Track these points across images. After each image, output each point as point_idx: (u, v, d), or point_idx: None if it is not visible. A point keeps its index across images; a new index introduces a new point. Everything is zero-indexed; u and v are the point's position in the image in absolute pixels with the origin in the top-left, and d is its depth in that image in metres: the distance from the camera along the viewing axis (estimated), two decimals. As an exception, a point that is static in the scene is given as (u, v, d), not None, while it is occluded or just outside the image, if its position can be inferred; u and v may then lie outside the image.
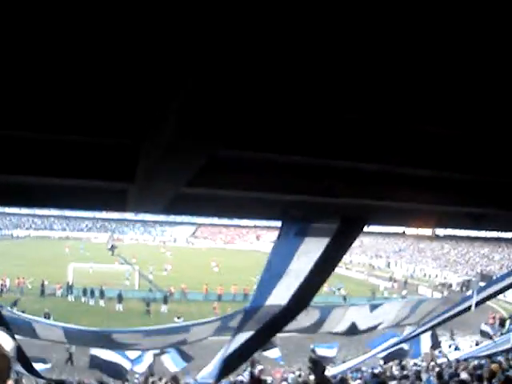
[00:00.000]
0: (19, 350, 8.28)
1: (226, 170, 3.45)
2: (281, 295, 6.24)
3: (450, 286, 50.65)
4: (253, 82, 1.67)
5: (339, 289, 42.42)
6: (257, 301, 6.58)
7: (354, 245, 5.41)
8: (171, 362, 13.23)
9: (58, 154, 3.32)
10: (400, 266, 64.91)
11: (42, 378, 11.34)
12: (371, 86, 2.48)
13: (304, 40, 1.50)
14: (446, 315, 10.67)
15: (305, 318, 7.78)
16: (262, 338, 8.27)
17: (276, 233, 5.38)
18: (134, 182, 3.33)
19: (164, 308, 33.46)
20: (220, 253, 71.71)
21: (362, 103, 2.65)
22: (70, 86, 2.52)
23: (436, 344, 15.72)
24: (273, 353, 16.75)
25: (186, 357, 13.33)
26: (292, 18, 1.31)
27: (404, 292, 44.36)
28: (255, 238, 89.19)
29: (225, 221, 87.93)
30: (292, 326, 7.74)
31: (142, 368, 12.93)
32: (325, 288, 39.76)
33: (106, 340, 8.70)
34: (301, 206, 4.54)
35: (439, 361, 16.20)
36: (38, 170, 3.40)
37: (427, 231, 64.96)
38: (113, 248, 61.61)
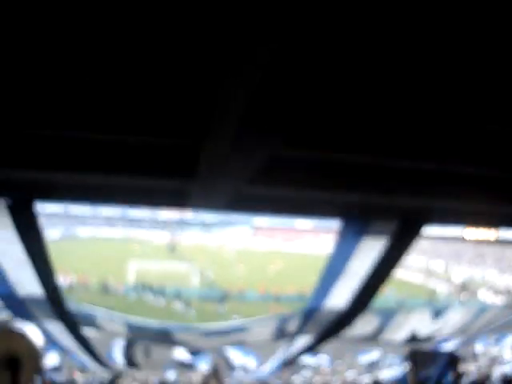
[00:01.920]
0: (84, 341, 8.54)
1: (288, 168, 3.46)
2: (340, 297, 6.19)
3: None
4: (317, 82, 1.67)
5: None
6: (315, 302, 6.55)
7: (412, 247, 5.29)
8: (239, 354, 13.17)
9: (122, 154, 3.42)
10: (459, 270, 63.04)
11: (109, 367, 11.60)
12: (432, 85, 2.45)
13: (367, 39, 1.50)
14: (508, 322, 10.30)
15: (364, 325, 7.66)
16: (319, 341, 8.23)
17: (336, 235, 5.34)
18: (196, 180, 3.38)
19: (221, 307, 33.77)
20: (279, 254, 71.57)
21: (422, 101, 2.61)
22: (134, 89, 2.59)
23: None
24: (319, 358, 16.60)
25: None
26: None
27: (463, 296, 43.06)
28: (314, 239, 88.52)
29: (284, 222, 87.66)
30: (351, 332, 7.66)
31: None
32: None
33: (166, 336, 8.86)
34: (360, 205, 4.50)
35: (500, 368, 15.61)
36: (103, 169, 3.50)
37: (487, 235, 62.75)
38: (173, 247, 62.45)
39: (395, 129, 3.01)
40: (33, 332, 2.38)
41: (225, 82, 1.98)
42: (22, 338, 2.38)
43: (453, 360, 6.52)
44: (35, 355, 2.36)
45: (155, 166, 3.47)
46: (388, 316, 8.15)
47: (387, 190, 3.82)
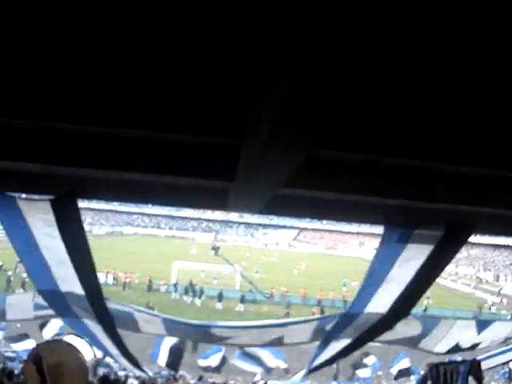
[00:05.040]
0: (122, 346, 8.65)
1: (328, 171, 3.40)
2: (381, 303, 6.09)
3: None
4: (358, 80, 1.62)
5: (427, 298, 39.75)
6: (356, 307, 6.46)
7: (460, 255, 5.17)
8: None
9: (163, 153, 3.43)
10: (511, 281, 61.32)
11: (145, 372, 11.70)
12: (481, 87, 2.36)
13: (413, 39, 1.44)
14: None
15: (404, 330, 7.51)
16: (356, 346, 8.12)
17: (379, 240, 5.26)
18: (234, 182, 3.36)
19: (241, 307, 33.94)
20: (321, 258, 71.42)
21: (470, 103, 2.52)
22: (173, 87, 2.59)
23: None
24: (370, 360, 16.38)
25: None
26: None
27: (513, 309, 41.94)
28: (358, 244, 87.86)
29: (328, 226, 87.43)
30: (390, 336, 7.53)
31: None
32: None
33: (204, 334, 8.88)
34: (404, 210, 4.40)
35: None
36: (146, 168, 3.53)
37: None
38: (216, 248, 63.00)
39: (441, 132, 2.92)
40: (83, 347, 2.42)
41: (259, 82, 1.94)
42: (71, 351, 2.40)
43: (474, 367, 6.40)
44: (82, 370, 2.37)
45: (198, 166, 3.47)
46: (431, 325, 7.95)
47: (433, 194, 3.71)
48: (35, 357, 2.26)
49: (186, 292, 36.85)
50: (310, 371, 10.21)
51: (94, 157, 3.50)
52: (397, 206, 4.35)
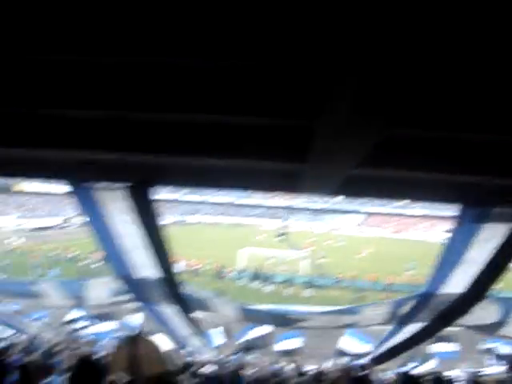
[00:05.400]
0: (198, 329, 8.83)
1: (402, 149, 3.33)
2: (456, 284, 5.95)
3: None
4: (427, 60, 1.58)
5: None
6: (431, 288, 6.34)
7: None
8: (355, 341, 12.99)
9: (233, 136, 3.44)
10: None
11: (218, 355, 11.85)
12: None
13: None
14: None
15: (483, 315, 7.29)
16: (433, 329, 7.95)
17: (449, 222, 5.13)
18: (307, 163, 3.34)
19: (309, 292, 33.75)
20: (388, 242, 70.41)
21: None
22: (247, 69, 2.59)
23: None
24: (445, 347, 15.86)
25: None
26: None
27: None
28: (425, 227, 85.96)
29: (396, 210, 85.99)
30: (469, 321, 7.33)
31: None
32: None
33: (279, 319, 8.98)
34: (480, 188, 4.27)
35: None
36: (216, 152, 3.55)
37: None
38: (282, 234, 63.06)
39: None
40: (161, 339, 2.49)
41: (335, 64, 1.92)
42: (148, 344, 2.48)
43: None
44: (159, 361, 2.46)
45: (267, 148, 3.47)
46: (509, 307, 7.67)
47: (509, 171, 3.58)
48: (122, 346, 2.34)
49: (254, 278, 37.12)
50: (382, 357, 10.09)
51: (165, 144, 3.56)
52: (472, 184, 4.22)
